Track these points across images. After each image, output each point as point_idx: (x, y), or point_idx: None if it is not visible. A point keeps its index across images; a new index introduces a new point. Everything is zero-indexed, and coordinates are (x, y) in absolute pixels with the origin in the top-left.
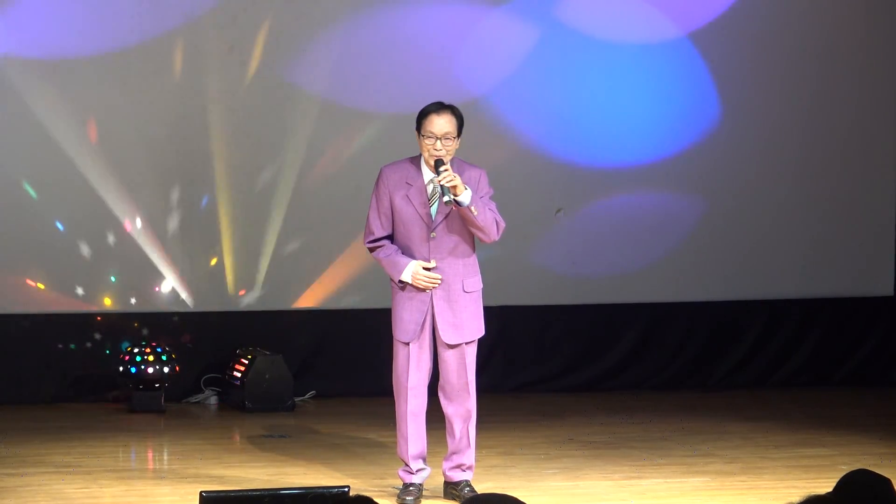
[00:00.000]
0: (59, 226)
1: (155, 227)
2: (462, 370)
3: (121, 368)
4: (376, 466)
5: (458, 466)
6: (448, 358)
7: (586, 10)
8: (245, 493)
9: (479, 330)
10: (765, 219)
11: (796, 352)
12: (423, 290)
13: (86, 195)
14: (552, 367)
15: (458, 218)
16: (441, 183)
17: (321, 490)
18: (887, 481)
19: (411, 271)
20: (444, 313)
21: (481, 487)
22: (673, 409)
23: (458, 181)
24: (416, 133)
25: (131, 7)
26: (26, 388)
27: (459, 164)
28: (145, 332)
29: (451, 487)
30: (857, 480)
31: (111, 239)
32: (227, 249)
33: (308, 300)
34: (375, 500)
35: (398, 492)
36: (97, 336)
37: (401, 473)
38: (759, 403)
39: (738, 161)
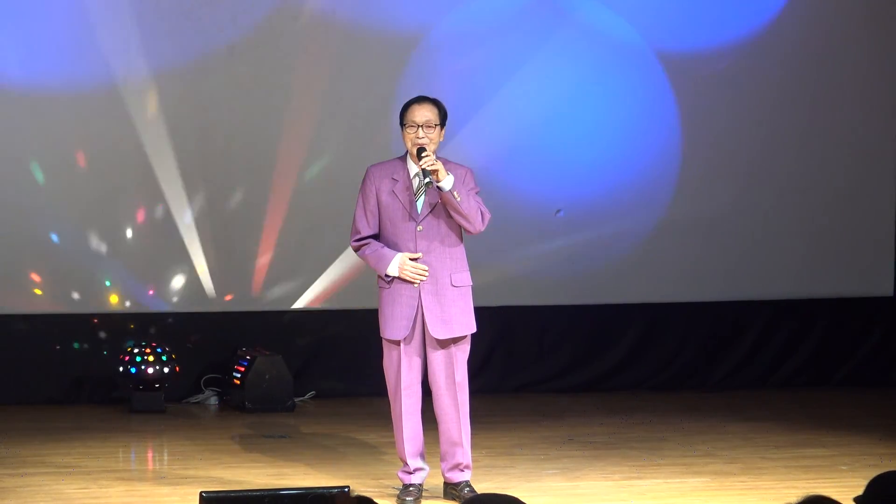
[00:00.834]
0: (60, 225)
1: (155, 227)
2: (451, 367)
3: (121, 369)
4: (376, 466)
5: (456, 466)
6: (437, 355)
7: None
8: (245, 494)
9: (468, 326)
10: (765, 219)
11: (796, 352)
12: (411, 282)
13: (87, 194)
14: (552, 367)
15: (444, 211)
16: (423, 167)
17: (321, 490)
18: None
19: (398, 263)
20: (432, 308)
21: (481, 487)
22: (673, 409)
23: (439, 166)
24: (400, 129)
25: (132, 5)
26: (26, 388)
27: (445, 162)
28: (153, 331)
29: (450, 488)
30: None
31: (111, 239)
32: (228, 249)
33: (308, 300)
34: (375, 500)
35: (398, 492)
36: (97, 336)
37: (400, 474)
38: (759, 403)
39: (738, 161)
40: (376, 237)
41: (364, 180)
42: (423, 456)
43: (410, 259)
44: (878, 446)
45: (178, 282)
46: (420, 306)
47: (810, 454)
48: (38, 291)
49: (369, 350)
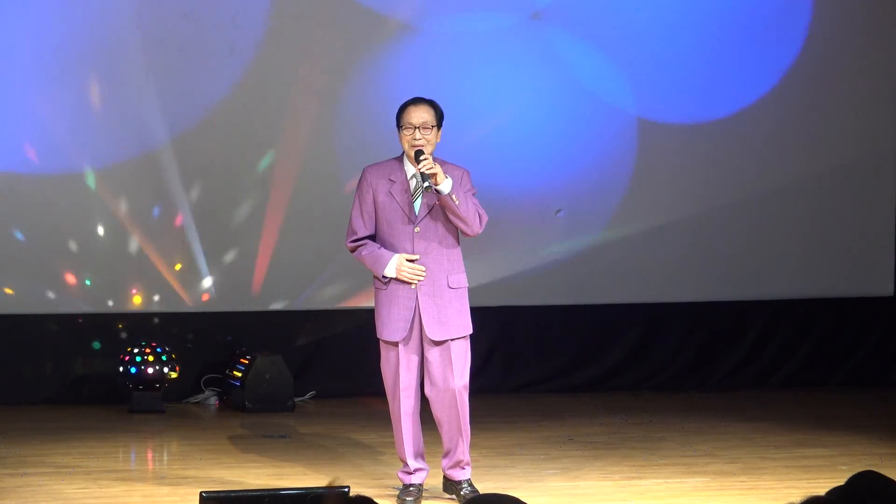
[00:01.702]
0: (59, 227)
1: (156, 226)
2: (448, 368)
3: (121, 369)
4: (376, 466)
5: (458, 464)
6: (434, 356)
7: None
8: (245, 494)
9: (465, 327)
10: (765, 219)
11: (796, 352)
12: (408, 283)
13: (87, 195)
14: (552, 367)
15: (441, 212)
16: (421, 171)
17: (321, 490)
18: (894, 484)
19: (395, 264)
20: (429, 309)
21: (481, 487)
22: (673, 409)
23: (438, 169)
24: (397, 131)
25: (133, 4)
26: (26, 388)
27: (443, 163)
28: (161, 329)
29: (451, 486)
30: (864, 482)
31: (111, 239)
32: (227, 250)
33: (308, 300)
34: (375, 500)
35: (398, 492)
36: (97, 337)
37: (400, 475)
38: (759, 403)
39: (737, 161)
40: (372, 238)
41: (360, 181)
42: (422, 456)
43: (408, 260)
44: (878, 446)
45: (178, 282)
46: (417, 308)
47: (810, 454)
48: (29, 291)
49: (369, 350)
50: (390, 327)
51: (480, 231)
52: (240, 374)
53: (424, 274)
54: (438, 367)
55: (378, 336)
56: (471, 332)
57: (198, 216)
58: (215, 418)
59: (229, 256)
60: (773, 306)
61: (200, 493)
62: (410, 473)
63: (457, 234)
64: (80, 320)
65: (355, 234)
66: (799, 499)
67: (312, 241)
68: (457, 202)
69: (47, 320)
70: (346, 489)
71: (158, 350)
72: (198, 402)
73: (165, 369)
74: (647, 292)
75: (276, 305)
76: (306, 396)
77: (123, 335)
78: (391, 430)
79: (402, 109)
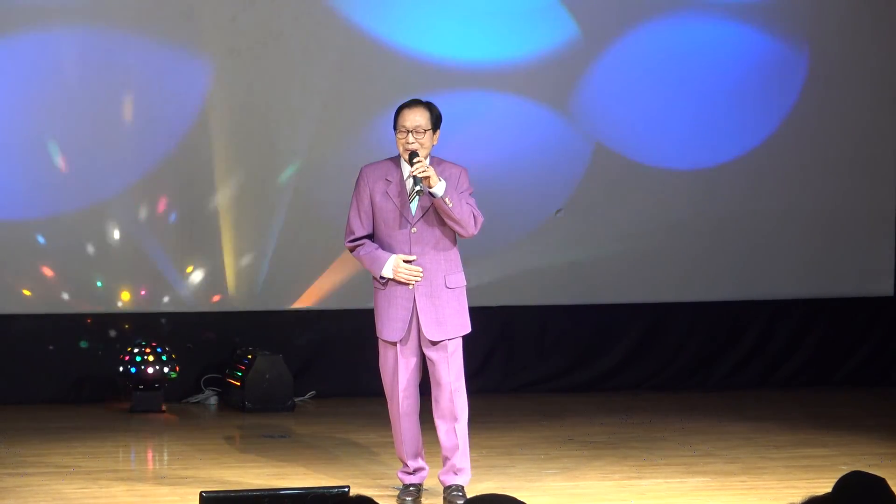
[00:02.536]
0: (60, 226)
1: (156, 226)
2: (446, 369)
3: (121, 369)
4: (376, 466)
5: (450, 469)
6: (432, 357)
7: None
8: (245, 494)
9: (463, 327)
10: (765, 219)
11: (796, 352)
12: (406, 283)
13: (89, 195)
14: (552, 367)
15: (438, 214)
16: (414, 174)
17: (321, 490)
18: (882, 481)
19: (392, 265)
20: (426, 310)
21: (482, 487)
22: (673, 409)
23: (431, 172)
24: (394, 132)
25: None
26: (26, 388)
27: (440, 162)
28: (155, 328)
29: (444, 491)
30: (853, 483)
31: (112, 239)
32: (227, 250)
33: (308, 300)
34: (375, 500)
35: (398, 492)
36: (98, 336)
37: (400, 475)
38: (759, 403)
39: (737, 161)
40: (370, 237)
41: (358, 180)
42: (422, 456)
43: (404, 261)
44: (878, 446)
45: (178, 282)
46: (415, 308)
47: (810, 454)
48: (29, 292)
49: (369, 350)
50: (389, 327)
51: (476, 233)
52: (240, 374)
53: (421, 275)
54: (436, 368)
55: (378, 335)
56: (469, 331)
57: (197, 216)
58: (215, 418)
59: (229, 256)
60: (773, 306)
61: (200, 493)
62: (410, 473)
63: (454, 234)
64: (89, 321)
65: (353, 234)
66: (799, 499)
67: (312, 240)
68: (450, 205)
69: (49, 320)
70: (346, 489)
71: (158, 350)
72: (198, 402)
73: (165, 369)
74: (647, 292)
75: (277, 305)
76: (306, 396)
77: (121, 335)
78: (391, 429)
79: (398, 112)
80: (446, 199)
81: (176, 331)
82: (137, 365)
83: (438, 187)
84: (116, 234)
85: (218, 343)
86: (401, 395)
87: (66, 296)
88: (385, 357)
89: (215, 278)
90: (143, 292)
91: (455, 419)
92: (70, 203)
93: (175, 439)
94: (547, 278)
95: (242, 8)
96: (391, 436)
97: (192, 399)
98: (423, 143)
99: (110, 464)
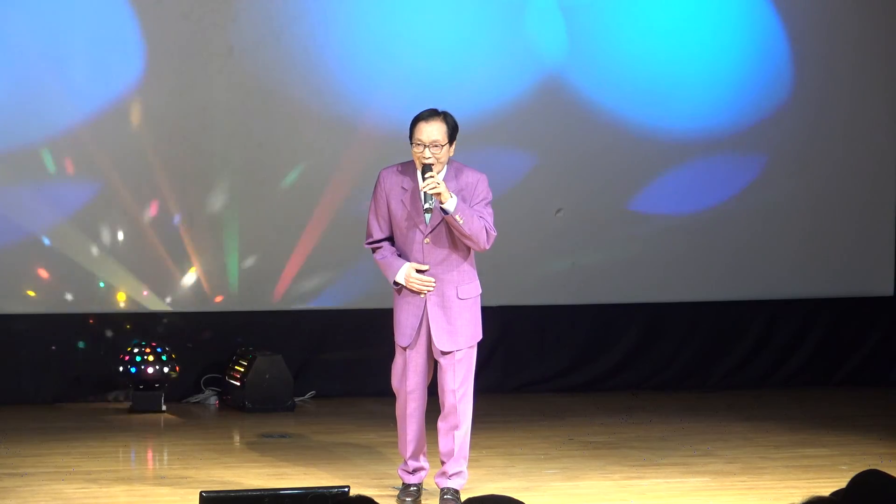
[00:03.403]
0: (58, 226)
1: (155, 227)
2: (451, 375)
3: (121, 369)
4: (376, 466)
5: (444, 473)
6: (441, 362)
7: None
8: (245, 493)
9: (474, 336)
10: (765, 219)
11: (796, 352)
12: (418, 292)
13: (88, 195)
14: (552, 367)
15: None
16: (424, 190)
17: (321, 490)
18: None
19: (405, 273)
20: (438, 320)
21: (482, 488)
22: (673, 409)
23: (442, 188)
24: (409, 141)
25: (132, 4)
26: (26, 388)
27: (458, 167)
28: (157, 329)
29: (440, 493)
30: (868, 481)
31: (111, 239)
32: (228, 250)
33: (308, 300)
34: (375, 500)
35: (398, 492)
36: (97, 336)
37: (400, 472)
38: (759, 403)
39: (737, 161)
40: (389, 240)
41: (376, 184)
42: (424, 455)
43: (417, 270)
44: (878, 446)
45: (178, 282)
46: (425, 317)
47: (810, 454)
48: (33, 293)
49: (369, 350)
50: (399, 332)
51: (488, 247)
52: (240, 374)
53: (433, 285)
54: (444, 376)
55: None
56: (479, 339)
57: (197, 216)
58: (215, 418)
59: (229, 256)
60: (773, 306)
61: (200, 493)
62: (411, 473)
63: (467, 245)
64: (92, 321)
65: (371, 236)
66: (800, 499)
67: (312, 240)
68: (461, 222)
69: (51, 320)
70: (346, 489)
71: (158, 350)
72: (198, 402)
73: (165, 369)
74: (647, 292)
75: (277, 305)
76: (306, 396)
77: (122, 335)
78: (391, 429)
79: (414, 124)
80: (457, 217)
81: (176, 331)
82: (137, 365)
83: (449, 203)
84: (119, 235)
85: (218, 343)
86: (409, 396)
87: (69, 296)
88: (396, 360)
89: (216, 278)
90: (144, 292)
91: (455, 426)
92: (73, 204)
93: (175, 439)
94: (547, 278)
95: (242, 8)
96: (391, 435)
97: (192, 399)
98: (440, 157)
99: (110, 464)
